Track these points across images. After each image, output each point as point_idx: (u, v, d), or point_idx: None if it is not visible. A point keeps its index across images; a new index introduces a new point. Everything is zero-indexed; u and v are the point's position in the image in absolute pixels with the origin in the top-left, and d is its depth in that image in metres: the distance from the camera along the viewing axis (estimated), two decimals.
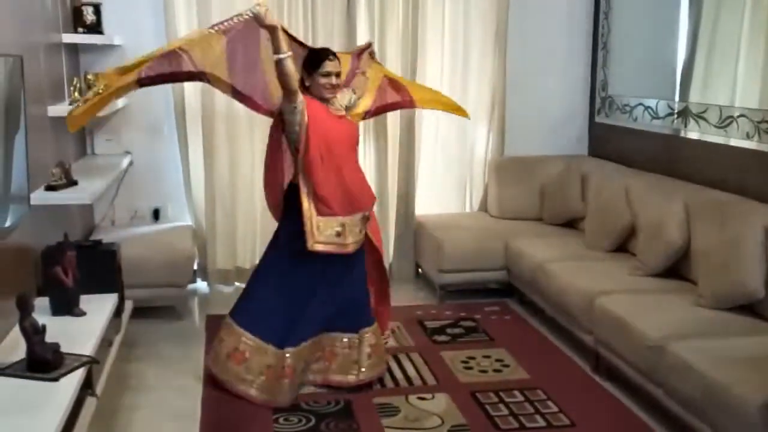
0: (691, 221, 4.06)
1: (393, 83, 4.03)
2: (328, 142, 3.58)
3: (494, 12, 5.54)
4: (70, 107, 4.23)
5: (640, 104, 5.12)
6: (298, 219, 3.57)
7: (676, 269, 4.12)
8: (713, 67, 4.45)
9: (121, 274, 4.01)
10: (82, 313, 3.39)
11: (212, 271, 5.37)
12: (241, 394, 3.63)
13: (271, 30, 3.42)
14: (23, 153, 3.02)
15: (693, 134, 4.55)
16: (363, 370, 3.75)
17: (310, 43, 5.21)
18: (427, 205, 5.71)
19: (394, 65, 5.37)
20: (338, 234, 3.60)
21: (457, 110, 4.30)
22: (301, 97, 3.50)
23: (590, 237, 4.84)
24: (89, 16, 4.76)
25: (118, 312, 3.81)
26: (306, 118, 3.50)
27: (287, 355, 3.61)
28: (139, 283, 4.42)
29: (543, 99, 5.78)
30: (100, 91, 3.50)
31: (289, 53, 3.43)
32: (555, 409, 3.56)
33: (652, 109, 4.99)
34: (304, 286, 3.68)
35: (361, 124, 5.29)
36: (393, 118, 5.43)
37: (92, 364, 2.95)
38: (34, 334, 2.76)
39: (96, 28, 4.80)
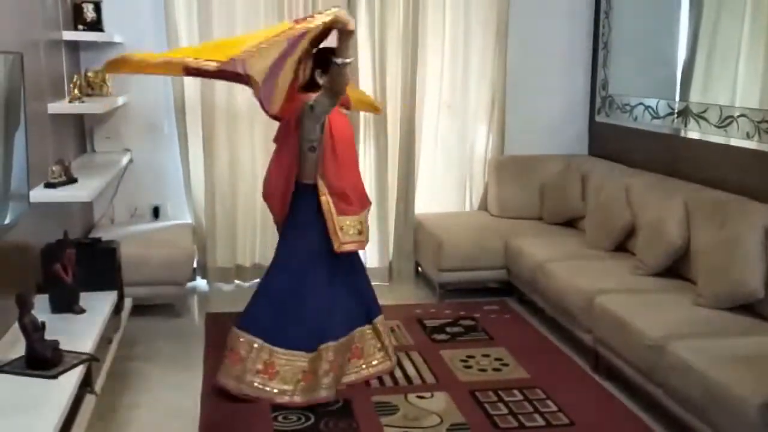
0: (691, 221, 4.06)
1: None
2: (340, 137, 3.65)
3: (495, 11, 5.54)
4: (71, 103, 4.25)
5: (641, 104, 5.12)
6: (312, 222, 3.61)
7: (676, 269, 4.12)
8: (713, 67, 4.45)
9: (120, 271, 4.01)
10: (82, 311, 3.39)
11: (212, 269, 5.37)
12: (285, 404, 3.55)
13: (349, 34, 3.45)
14: (23, 150, 3.03)
15: (693, 134, 4.54)
16: (390, 353, 3.92)
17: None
18: (427, 203, 5.71)
19: (394, 65, 5.38)
20: (359, 232, 3.69)
21: (372, 106, 4.37)
22: None
23: (590, 236, 4.84)
24: (89, 13, 4.76)
25: (117, 310, 3.81)
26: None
27: (323, 352, 3.61)
28: (138, 281, 4.42)
29: (543, 98, 5.78)
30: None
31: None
32: (554, 408, 3.56)
33: (652, 109, 4.98)
34: (324, 283, 3.70)
35: (362, 123, 5.35)
36: (393, 117, 5.43)
37: (91, 361, 2.96)
38: (33, 331, 2.76)
39: (96, 25, 4.80)
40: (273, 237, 5.38)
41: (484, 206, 5.77)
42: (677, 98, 4.71)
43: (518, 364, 4.07)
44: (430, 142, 5.66)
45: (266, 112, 3.66)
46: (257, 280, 5.42)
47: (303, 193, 3.65)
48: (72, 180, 3.76)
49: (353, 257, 3.84)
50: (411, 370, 3.98)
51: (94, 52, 5.05)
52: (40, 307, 3.20)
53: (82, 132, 5.10)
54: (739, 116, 4.11)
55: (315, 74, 3.64)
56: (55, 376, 2.68)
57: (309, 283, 3.68)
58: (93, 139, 5.20)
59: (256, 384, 3.58)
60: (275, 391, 3.57)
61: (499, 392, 3.71)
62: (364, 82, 5.32)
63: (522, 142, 5.75)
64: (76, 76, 4.41)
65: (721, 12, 4.36)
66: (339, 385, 3.69)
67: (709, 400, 2.94)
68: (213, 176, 5.27)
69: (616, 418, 3.51)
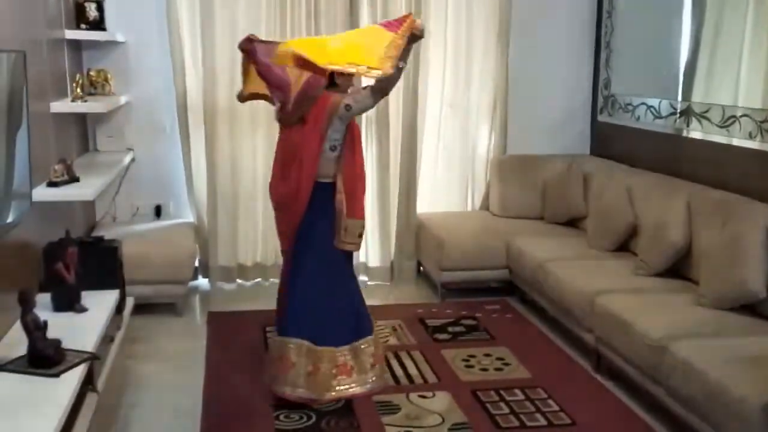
0: (693, 221, 4.06)
1: None
2: (357, 136, 3.76)
3: (497, 10, 5.54)
4: (73, 102, 4.25)
5: (643, 103, 5.11)
6: (326, 220, 3.64)
7: (678, 269, 4.12)
8: (716, 67, 4.44)
9: (122, 270, 4.01)
10: (84, 310, 3.39)
11: (214, 268, 5.38)
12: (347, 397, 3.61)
13: (419, 39, 3.57)
14: (25, 149, 3.03)
15: (695, 134, 4.54)
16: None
17: None
18: (429, 203, 5.71)
19: None
20: (359, 235, 3.73)
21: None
22: None
23: (592, 236, 4.84)
24: (92, 12, 4.77)
25: (119, 308, 3.81)
26: None
27: (363, 345, 3.67)
28: (140, 280, 4.42)
29: (545, 98, 5.77)
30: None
31: None
32: (556, 407, 3.56)
33: (654, 109, 4.98)
34: (346, 276, 3.78)
35: (364, 123, 5.35)
36: (395, 116, 5.43)
37: (93, 360, 2.96)
38: (35, 330, 2.76)
39: (99, 24, 4.81)
40: (274, 236, 5.39)
41: (485, 206, 5.77)
42: (679, 98, 4.71)
43: (520, 363, 4.07)
44: (432, 142, 5.66)
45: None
46: (259, 280, 5.46)
47: (315, 191, 3.64)
48: (74, 179, 3.76)
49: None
50: (412, 370, 3.98)
51: (97, 51, 5.06)
52: (42, 306, 3.19)
53: (84, 131, 5.10)
54: (741, 116, 4.11)
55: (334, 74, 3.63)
56: (56, 375, 2.68)
57: (335, 280, 3.71)
58: (95, 138, 5.21)
59: (339, 388, 3.60)
60: (344, 387, 3.62)
61: (501, 392, 3.71)
62: (366, 81, 5.30)
63: (524, 141, 5.75)
64: (78, 75, 4.42)
65: (724, 12, 4.36)
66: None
67: (711, 400, 2.94)
68: (215, 175, 5.27)
69: (617, 418, 3.51)
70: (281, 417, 3.45)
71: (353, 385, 3.64)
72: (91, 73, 4.89)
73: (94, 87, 4.87)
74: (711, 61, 4.48)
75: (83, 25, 4.75)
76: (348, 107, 3.57)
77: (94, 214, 5.24)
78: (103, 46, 5.03)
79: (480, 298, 5.12)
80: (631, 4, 5.33)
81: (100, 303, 3.49)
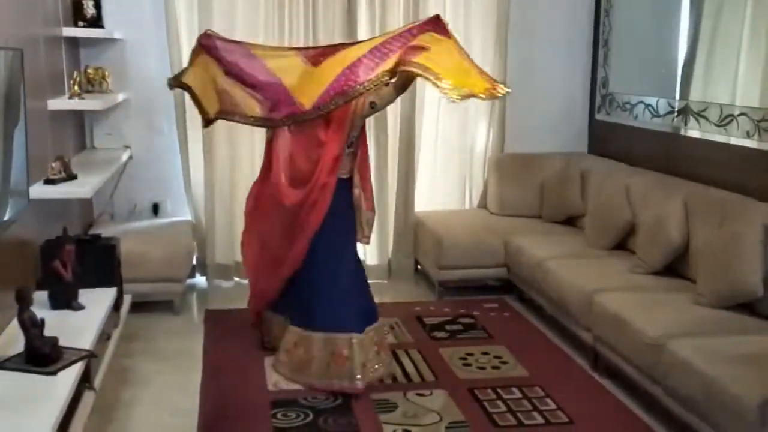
0: (691, 219, 4.06)
1: None
2: (363, 132, 3.90)
3: (495, 9, 5.53)
4: (71, 100, 4.25)
5: (641, 102, 5.12)
6: (343, 214, 3.78)
7: (676, 267, 4.12)
8: (714, 66, 4.45)
9: (120, 268, 4.01)
10: (81, 307, 3.39)
11: (211, 266, 5.37)
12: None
13: None
14: (23, 147, 3.02)
15: (693, 132, 4.54)
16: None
17: (311, 42, 5.23)
18: (427, 201, 5.71)
19: None
20: (371, 228, 3.96)
21: None
22: None
23: (590, 235, 4.84)
24: (89, 9, 4.76)
25: (116, 306, 3.81)
26: None
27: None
28: (137, 278, 4.42)
29: (543, 96, 5.77)
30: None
31: None
32: (553, 406, 3.56)
33: (652, 107, 4.98)
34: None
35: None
36: (393, 115, 5.42)
37: (90, 358, 2.95)
38: (32, 327, 2.76)
39: (96, 21, 4.80)
40: None
41: (483, 204, 5.77)
42: (677, 97, 4.71)
43: (517, 362, 4.07)
44: (430, 140, 5.66)
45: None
46: None
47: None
48: (71, 176, 3.76)
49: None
50: (410, 368, 3.98)
51: (94, 48, 5.06)
52: (40, 304, 3.19)
53: (81, 128, 5.10)
54: (739, 115, 4.11)
55: None
56: (54, 373, 2.68)
57: (353, 271, 3.87)
58: (93, 136, 5.20)
59: (376, 367, 3.73)
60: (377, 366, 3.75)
61: (498, 390, 3.71)
62: None
63: (522, 140, 5.75)
64: (76, 73, 4.41)
65: (722, 10, 4.36)
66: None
67: (708, 398, 2.94)
68: (212, 173, 5.27)
69: (614, 417, 3.51)
70: (278, 415, 3.45)
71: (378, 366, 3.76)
72: (89, 70, 4.88)
73: (91, 84, 4.86)
74: (709, 59, 4.48)
75: (81, 23, 4.74)
76: (373, 104, 3.66)
77: (92, 212, 5.23)
78: (101, 43, 5.03)
79: (478, 297, 5.12)
80: (629, 3, 5.33)
81: (97, 301, 3.49)
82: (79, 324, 3.20)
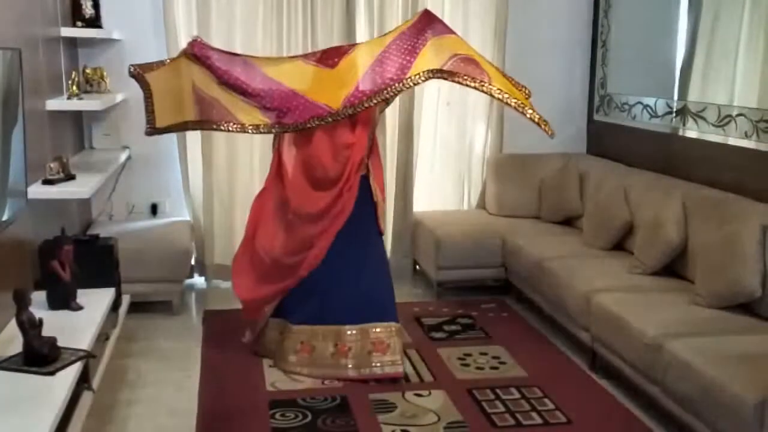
0: (689, 220, 4.06)
1: None
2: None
3: (494, 9, 5.53)
4: (69, 100, 4.24)
5: (639, 102, 5.12)
6: (360, 208, 3.87)
7: (674, 267, 4.12)
8: (712, 66, 4.45)
9: (118, 268, 4.01)
10: (79, 308, 3.39)
11: (210, 267, 5.37)
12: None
13: None
14: (21, 147, 3.02)
15: (691, 133, 4.55)
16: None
17: (309, 42, 5.23)
18: (425, 201, 5.71)
19: None
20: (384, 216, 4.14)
21: None
22: None
23: (588, 235, 4.84)
24: (88, 9, 4.76)
25: (115, 306, 3.80)
26: None
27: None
28: (136, 278, 4.41)
29: (541, 96, 5.69)
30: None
31: None
32: (552, 406, 3.56)
33: (650, 108, 4.99)
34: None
35: None
36: (392, 114, 5.42)
37: (89, 358, 2.95)
38: (30, 328, 2.76)
39: (95, 22, 4.80)
40: None
41: (482, 204, 5.77)
42: (675, 97, 4.72)
43: (516, 362, 4.07)
44: (428, 140, 5.66)
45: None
46: None
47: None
48: (70, 177, 3.76)
49: None
50: (409, 368, 3.97)
51: (93, 48, 5.05)
52: (38, 304, 3.20)
53: (80, 129, 5.09)
54: (737, 115, 4.11)
55: None
56: (52, 373, 2.68)
57: (377, 261, 3.99)
58: (91, 136, 5.20)
59: (375, 364, 3.78)
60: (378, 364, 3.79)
61: (497, 390, 3.71)
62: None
63: (520, 140, 5.74)
64: (74, 73, 4.41)
65: (720, 11, 4.37)
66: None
67: (706, 398, 2.95)
68: (211, 174, 5.26)
69: (613, 417, 3.51)
70: (277, 415, 3.45)
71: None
72: (87, 70, 4.88)
73: (90, 85, 4.86)
74: (707, 60, 4.48)
75: (79, 23, 4.74)
76: (387, 101, 3.84)
77: (90, 212, 5.23)
78: (99, 43, 5.02)
79: (476, 297, 5.12)
80: (628, 3, 5.33)
81: (95, 301, 3.49)
82: (78, 324, 3.20)
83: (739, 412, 2.76)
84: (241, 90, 3.78)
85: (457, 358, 4.11)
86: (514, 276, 5.00)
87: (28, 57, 3.45)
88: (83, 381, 2.99)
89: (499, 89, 3.70)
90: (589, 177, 5.16)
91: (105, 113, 5.08)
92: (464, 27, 5.53)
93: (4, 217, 2.89)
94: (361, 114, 3.77)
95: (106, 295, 3.64)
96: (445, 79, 3.70)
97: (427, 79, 3.72)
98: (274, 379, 3.81)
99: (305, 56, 4.02)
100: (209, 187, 5.28)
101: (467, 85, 3.66)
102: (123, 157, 5.01)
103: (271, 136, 4.05)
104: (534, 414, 3.49)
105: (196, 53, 3.80)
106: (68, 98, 4.26)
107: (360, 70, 3.74)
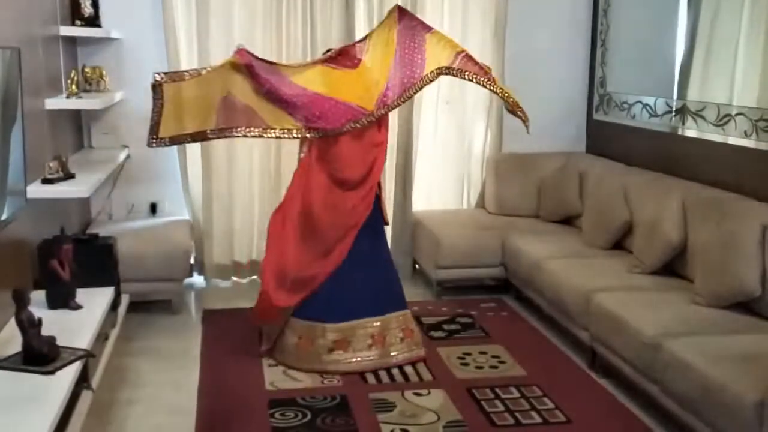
0: (689, 219, 4.06)
1: None
2: None
3: (493, 9, 5.53)
4: (68, 99, 4.24)
5: (639, 102, 5.12)
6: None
7: (673, 267, 4.13)
8: (711, 65, 4.45)
9: (117, 267, 4.00)
10: (79, 307, 3.39)
11: (209, 266, 5.37)
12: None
13: None
14: (20, 146, 3.02)
15: (691, 132, 4.55)
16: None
17: (308, 41, 5.23)
18: (425, 201, 5.71)
19: None
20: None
21: None
22: None
23: (587, 234, 4.84)
24: (87, 8, 4.75)
25: (114, 306, 3.80)
26: None
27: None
28: (135, 277, 4.41)
29: (541, 95, 5.75)
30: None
31: None
32: (551, 405, 3.56)
33: (650, 107, 4.99)
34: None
35: None
36: (392, 113, 5.36)
37: (88, 357, 2.95)
38: (30, 327, 2.75)
39: (94, 21, 4.80)
40: None
41: (481, 204, 5.77)
42: (675, 96, 4.71)
43: (515, 361, 4.07)
44: (428, 140, 5.65)
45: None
46: (254, 277, 5.45)
47: None
48: (69, 176, 3.75)
49: None
50: (408, 368, 3.97)
51: (92, 47, 5.05)
52: (37, 303, 3.20)
53: (79, 128, 5.09)
54: (736, 114, 4.11)
55: None
56: (51, 372, 2.68)
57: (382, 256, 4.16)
58: (90, 135, 5.20)
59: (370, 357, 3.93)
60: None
61: (496, 389, 3.71)
62: None
63: (520, 139, 5.69)
64: (73, 72, 4.40)
65: (719, 10, 4.37)
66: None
67: (706, 397, 2.95)
68: (210, 173, 5.26)
69: (612, 416, 3.51)
70: (276, 414, 3.45)
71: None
72: (86, 69, 4.87)
73: (89, 84, 4.85)
74: (706, 59, 4.48)
75: (78, 22, 4.74)
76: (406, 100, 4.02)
77: (89, 212, 5.23)
78: (99, 42, 5.02)
79: (475, 296, 5.12)
80: (627, 3, 5.33)
81: (95, 300, 3.49)
82: (77, 323, 3.20)
83: (739, 411, 2.76)
84: (277, 97, 3.77)
85: (456, 358, 4.11)
86: (514, 275, 5.00)
87: (27, 56, 3.44)
88: (82, 380, 2.99)
89: (501, 88, 3.98)
90: (588, 176, 5.16)
91: (104, 112, 5.07)
92: (463, 27, 5.53)
93: (4, 217, 2.89)
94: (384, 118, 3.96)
95: (106, 294, 3.64)
96: (455, 75, 3.85)
97: (439, 76, 3.85)
98: (274, 379, 3.82)
99: (322, 61, 3.98)
100: (209, 186, 5.28)
101: (478, 82, 3.86)
102: (122, 156, 5.01)
103: (287, 141, 4.15)
104: (533, 413, 3.49)
105: (244, 62, 3.74)
106: (67, 97, 4.26)
107: (387, 69, 3.85)
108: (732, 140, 4.15)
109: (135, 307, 4.35)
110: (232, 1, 5.14)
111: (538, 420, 3.43)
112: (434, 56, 3.83)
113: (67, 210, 4.49)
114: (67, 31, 4.57)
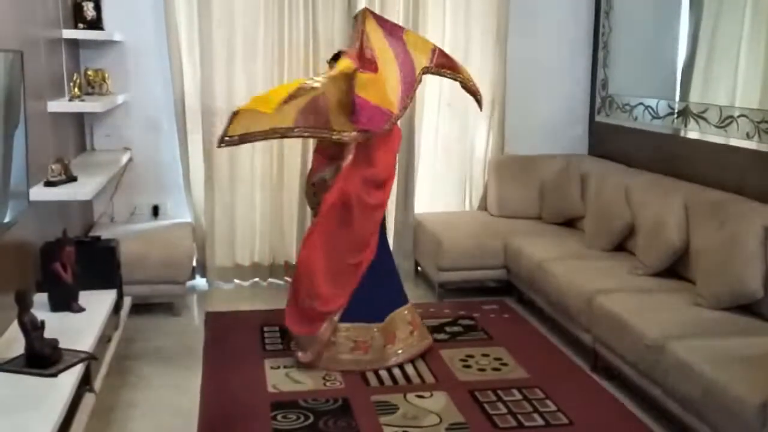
0: (691, 221, 4.06)
1: None
2: None
3: (495, 11, 5.53)
4: (71, 102, 4.25)
5: (641, 104, 5.12)
6: None
7: (676, 269, 4.12)
8: (713, 67, 4.45)
9: (120, 270, 4.01)
10: (81, 309, 3.39)
11: (211, 268, 5.37)
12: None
13: None
14: (23, 148, 3.03)
15: (693, 134, 4.55)
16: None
17: (311, 43, 5.23)
18: (427, 203, 5.71)
19: None
20: None
21: None
22: None
23: (590, 236, 4.84)
24: (89, 11, 4.76)
25: (116, 308, 3.81)
26: None
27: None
28: (138, 280, 4.42)
29: (543, 98, 5.77)
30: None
31: None
32: (553, 407, 3.56)
33: (652, 109, 4.98)
34: None
35: None
36: None
37: (91, 360, 2.96)
38: (32, 329, 2.76)
39: (96, 23, 4.80)
40: (271, 236, 5.41)
41: (483, 206, 5.77)
42: (677, 98, 4.71)
43: (517, 363, 4.07)
44: (430, 142, 5.66)
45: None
46: (256, 279, 5.46)
47: None
48: (72, 178, 3.76)
49: None
50: (410, 370, 3.97)
51: (94, 50, 5.06)
52: (40, 306, 3.20)
53: (81, 130, 5.10)
54: (739, 116, 4.11)
55: None
56: (54, 375, 2.68)
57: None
58: (93, 138, 5.20)
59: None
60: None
61: (498, 392, 3.71)
62: None
63: (522, 141, 5.75)
64: (76, 75, 4.42)
65: (721, 12, 4.37)
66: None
67: (708, 399, 2.94)
68: (212, 175, 5.26)
69: (614, 418, 3.51)
70: (278, 417, 3.45)
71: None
72: (89, 72, 4.88)
73: (91, 86, 4.86)
74: (708, 61, 4.48)
75: (81, 25, 4.74)
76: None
77: (92, 214, 5.23)
78: (101, 45, 5.03)
79: (478, 298, 5.12)
80: (629, 4, 5.33)
81: (97, 303, 3.50)
82: (80, 326, 3.21)
83: (741, 413, 2.76)
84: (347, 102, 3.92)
85: (458, 360, 4.11)
86: (516, 277, 5.00)
87: (30, 59, 3.46)
88: (85, 383, 2.99)
89: (469, 78, 4.30)
90: (590, 178, 5.15)
91: (106, 115, 5.08)
92: (465, 29, 5.54)
93: (6, 219, 2.89)
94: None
95: (108, 296, 3.64)
96: (433, 74, 4.24)
97: (424, 75, 4.15)
98: (276, 381, 3.82)
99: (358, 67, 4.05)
100: (211, 189, 5.28)
101: (450, 77, 4.24)
102: (125, 158, 5.02)
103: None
104: (536, 415, 3.49)
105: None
106: (70, 100, 4.27)
107: (395, 72, 4.01)
108: (734, 142, 4.15)
109: (137, 309, 4.36)
110: (234, 3, 5.15)
111: (541, 422, 3.43)
112: (418, 57, 4.10)
113: (70, 212, 4.49)
114: (69, 34, 4.58)
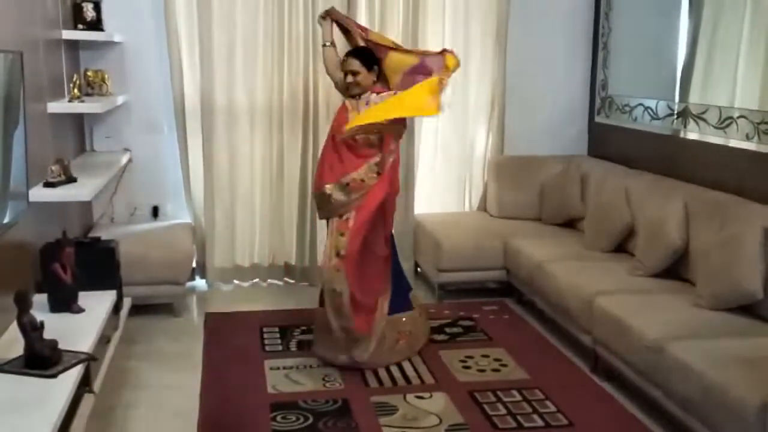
0: (691, 222, 4.06)
1: None
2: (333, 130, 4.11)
3: (494, 11, 5.54)
4: (71, 102, 4.25)
5: (640, 104, 5.12)
6: None
7: (675, 270, 4.12)
8: (713, 68, 4.45)
9: (119, 271, 4.01)
10: (81, 310, 3.39)
11: (211, 269, 5.37)
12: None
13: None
14: (22, 149, 3.03)
15: (693, 135, 4.55)
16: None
17: (310, 44, 5.23)
18: (426, 204, 5.71)
19: None
20: None
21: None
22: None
23: (589, 237, 4.84)
24: (89, 12, 4.76)
25: (116, 309, 3.81)
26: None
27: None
28: (137, 281, 4.42)
29: (543, 98, 5.77)
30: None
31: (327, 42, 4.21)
32: (553, 408, 3.56)
33: (651, 110, 4.99)
34: None
35: None
36: None
37: (90, 361, 2.95)
38: (32, 330, 2.76)
39: (96, 24, 4.80)
40: (271, 237, 5.41)
41: (483, 207, 5.77)
42: (677, 99, 4.72)
43: (517, 364, 4.07)
44: (429, 142, 5.66)
45: None
46: (256, 280, 5.46)
47: None
48: (71, 179, 3.76)
49: None
50: (410, 371, 3.98)
51: (94, 51, 5.06)
52: (39, 306, 3.20)
53: (81, 131, 5.10)
54: (738, 117, 4.11)
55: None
56: (53, 376, 2.68)
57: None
58: (92, 139, 5.20)
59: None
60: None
61: (498, 393, 3.71)
62: None
63: (521, 142, 5.75)
64: (75, 76, 4.41)
65: (721, 13, 4.37)
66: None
67: (708, 401, 2.94)
68: (212, 176, 5.26)
69: (614, 419, 3.51)
70: (278, 418, 3.44)
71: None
72: (89, 73, 4.88)
73: (91, 87, 4.86)
74: (708, 62, 4.48)
75: (80, 26, 4.74)
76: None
77: (92, 215, 5.23)
78: (101, 46, 5.03)
79: (477, 299, 5.12)
80: (629, 5, 5.33)
81: (97, 304, 3.50)
82: (79, 327, 3.21)
83: (742, 414, 2.76)
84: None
85: (458, 361, 4.11)
86: (516, 278, 5.00)
87: (30, 60, 3.45)
88: (84, 384, 2.99)
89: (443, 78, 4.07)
90: (590, 179, 5.15)
91: (106, 116, 5.08)
92: (465, 30, 5.54)
93: (6, 220, 2.89)
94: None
95: (108, 297, 3.64)
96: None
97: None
98: (275, 382, 3.82)
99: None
100: (210, 189, 5.28)
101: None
102: (124, 159, 5.02)
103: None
104: (535, 416, 3.49)
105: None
106: (69, 101, 4.27)
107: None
108: (734, 143, 4.15)
109: (137, 310, 4.36)
110: (233, 4, 5.15)
111: (540, 423, 3.43)
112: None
113: (69, 213, 4.49)
114: (69, 34, 4.58)
